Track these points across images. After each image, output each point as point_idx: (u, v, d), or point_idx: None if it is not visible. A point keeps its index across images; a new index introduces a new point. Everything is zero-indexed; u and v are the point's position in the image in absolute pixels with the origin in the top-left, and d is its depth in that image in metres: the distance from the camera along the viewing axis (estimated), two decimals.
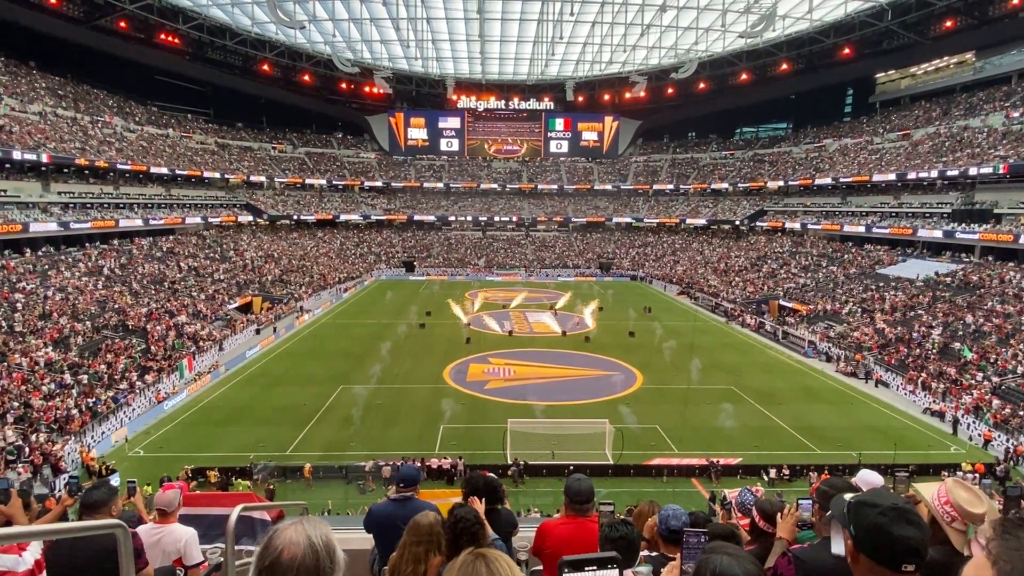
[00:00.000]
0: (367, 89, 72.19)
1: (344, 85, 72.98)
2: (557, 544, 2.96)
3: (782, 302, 45.45)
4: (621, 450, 21.60)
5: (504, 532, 3.20)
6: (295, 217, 69.74)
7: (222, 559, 3.19)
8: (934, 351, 30.63)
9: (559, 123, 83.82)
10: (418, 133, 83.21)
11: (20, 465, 18.65)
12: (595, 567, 1.61)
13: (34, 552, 2.33)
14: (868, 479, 3.31)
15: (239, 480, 19.33)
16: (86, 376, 25.20)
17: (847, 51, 57.73)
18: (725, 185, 73.85)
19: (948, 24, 50.93)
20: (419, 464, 20.22)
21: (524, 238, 78.35)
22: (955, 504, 1.74)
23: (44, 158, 39.93)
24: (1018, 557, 1.03)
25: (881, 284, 41.98)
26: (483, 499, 3.08)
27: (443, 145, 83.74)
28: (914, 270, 41.91)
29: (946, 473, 20.08)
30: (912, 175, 49.32)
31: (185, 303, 38.22)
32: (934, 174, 47.13)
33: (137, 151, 52.54)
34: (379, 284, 62.95)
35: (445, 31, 61.52)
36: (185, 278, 43.04)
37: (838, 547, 1.84)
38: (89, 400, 23.66)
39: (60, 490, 10.94)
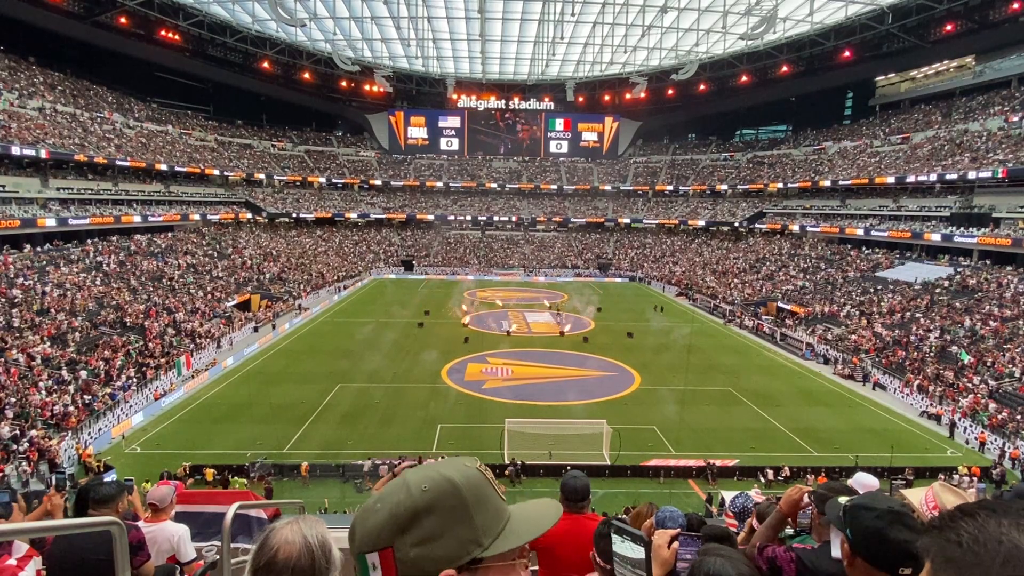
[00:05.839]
0: (367, 88, 72.19)
1: (344, 83, 72.94)
2: (551, 538, 2.97)
3: (780, 304, 45.49)
4: (619, 450, 21.61)
5: None
6: (294, 215, 69.65)
7: (218, 557, 3.18)
8: (932, 354, 30.69)
9: (559, 123, 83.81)
10: (418, 132, 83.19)
11: (25, 464, 18.61)
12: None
13: (30, 573, 2.27)
14: (864, 481, 3.30)
15: (236, 478, 19.32)
16: (85, 372, 25.18)
17: (847, 54, 57.81)
18: (724, 187, 73.85)
19: (948, 28, 51.05)
20: (416, 462, 20.18)
21: (523, 238, 78.37)
22: (944, 509, 1.74)
23: (43, 154, 39.87)
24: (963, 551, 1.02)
25: (879, 287, 42.02)
26: None
27: (443, 144, 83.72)
28: (912, 273, 41.96)
29: (943, 476, 20.14)
30: (911, 178, 49.39)
31: (183, 300, 38.18)
32: (933, 178, 47.20)
33: (136, 147, 52.47)
34: (377, 283, 62.91)
35: (446, 30, 61.51)
36: (184, 275, 42.98)
37: (837, 550, 1.84)
38: (86, 397, 23.63)
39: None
